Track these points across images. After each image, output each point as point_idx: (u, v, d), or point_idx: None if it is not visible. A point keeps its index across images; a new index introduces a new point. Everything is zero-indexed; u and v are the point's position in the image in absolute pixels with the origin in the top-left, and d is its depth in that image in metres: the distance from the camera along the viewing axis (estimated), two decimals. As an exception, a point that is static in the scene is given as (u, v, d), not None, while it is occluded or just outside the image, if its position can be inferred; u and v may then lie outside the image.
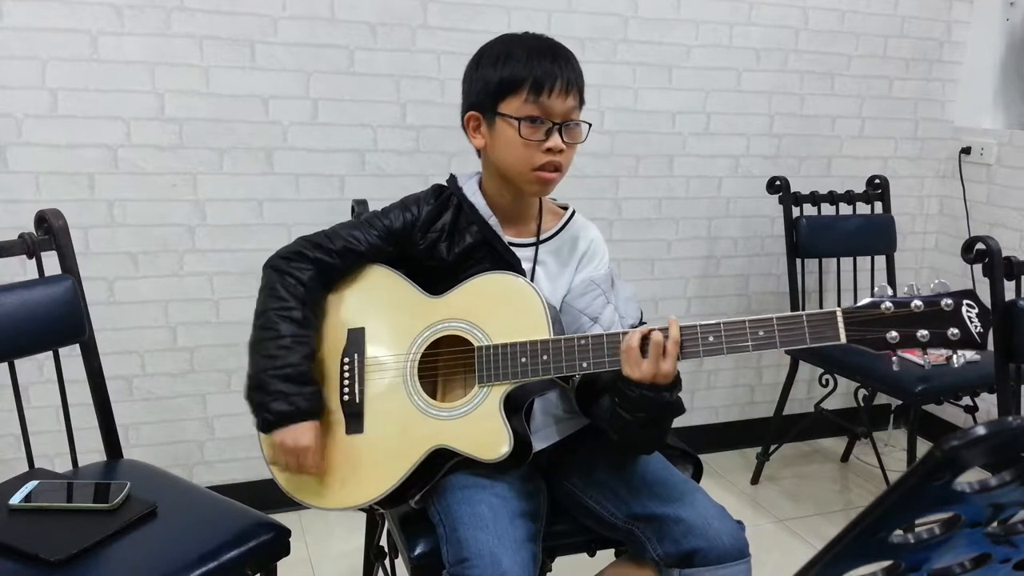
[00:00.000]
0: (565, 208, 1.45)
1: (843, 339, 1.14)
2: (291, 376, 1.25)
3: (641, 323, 1.35)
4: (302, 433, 1.25)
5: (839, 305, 1.18)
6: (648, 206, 2.57)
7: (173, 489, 1.45)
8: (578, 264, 1.41)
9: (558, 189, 1.39)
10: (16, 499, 1.31)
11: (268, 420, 1.25)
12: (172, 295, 2.15)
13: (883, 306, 1.13)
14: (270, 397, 1.25)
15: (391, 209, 1.39)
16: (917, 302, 1.12)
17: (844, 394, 2.78)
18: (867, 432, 2.47)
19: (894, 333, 1.13)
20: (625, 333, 1.19)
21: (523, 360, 1.24)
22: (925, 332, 1.12)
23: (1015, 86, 2.83)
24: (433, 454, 1.26)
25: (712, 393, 2.82)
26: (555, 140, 1.27)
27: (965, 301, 1.12)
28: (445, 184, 1.42)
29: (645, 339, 1.16)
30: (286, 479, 1.31)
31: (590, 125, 1.32)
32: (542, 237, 1.40)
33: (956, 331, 1.11)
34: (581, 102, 1.31)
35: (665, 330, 1.16)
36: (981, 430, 0.49)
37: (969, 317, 1.12)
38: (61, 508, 1.32)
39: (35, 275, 1.50)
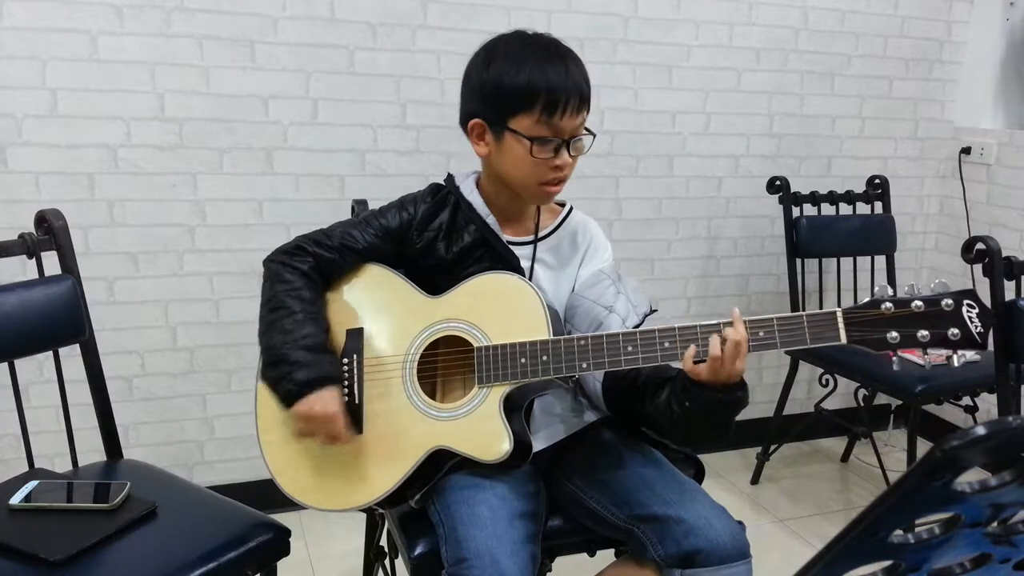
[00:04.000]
0: (562, 205, 1.45)
1: (843, 339, 1.14)
2: (310, 346, 1.24)
3: (652, 311, 1.35)
4: (329, 400, 1.22)
5: (839, 305, 1.18)
6: (648, 206, 2.57)
7: (173, 489, 1.45)
8: (582, 258, 1.41)
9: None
10: (16, 499, 1.31)
11: (291, 391, 1.22)
12: (172, 295, 2.15)
13: (883, 306, 1.13)
14: (291, 367, 1.23)
15: (388, 208, 1.39)
16: (917, 302, 1.12)
17: (844, 394, 2.78)
18: (867, 432, 2.47)
19: (894, 333, 1.12)
20: (680, 340, 1.15)
21: (522, 361, 1.24)
22: (925, 332, 1.12)
23: (1015, 86, 2.83)
24: (433, 454, 1.26)
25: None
26: (564, 158, 1.28)
27: (965, 301, 1.12)
28: (443, 183, 1.42)
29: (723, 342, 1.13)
30: (287, 480, 1.30)
31: (594, 136, 1.32)
32: (540, 234, 1.40)
33: (956, 331, 1.11)
34: (588, 110, 1.31)
35: (730, 324, 1.14)
36: (981, 430, 0.49)
37: (969, 317, 1.11)
38: (61, 508, 1.31)
39: (35, 275, 1.50)
